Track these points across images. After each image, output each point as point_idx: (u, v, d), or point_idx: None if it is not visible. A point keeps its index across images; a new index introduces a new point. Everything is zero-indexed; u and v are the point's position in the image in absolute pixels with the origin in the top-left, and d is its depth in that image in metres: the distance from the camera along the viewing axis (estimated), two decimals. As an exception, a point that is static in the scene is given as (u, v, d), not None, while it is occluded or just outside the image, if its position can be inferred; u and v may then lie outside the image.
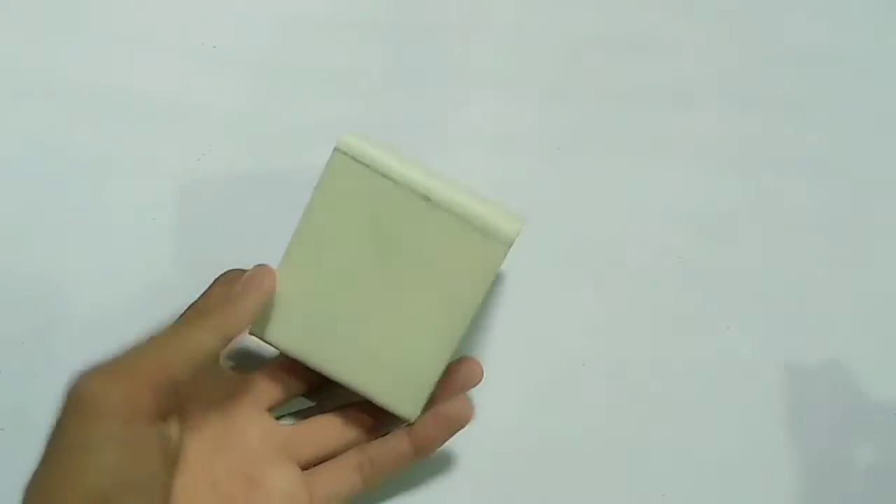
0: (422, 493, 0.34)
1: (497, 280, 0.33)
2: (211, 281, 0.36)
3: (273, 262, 0.33)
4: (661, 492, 0.35)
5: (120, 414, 0.25)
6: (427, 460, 0.34)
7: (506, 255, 0.29)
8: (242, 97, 0.52)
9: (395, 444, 0.30)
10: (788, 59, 0.56)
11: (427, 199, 0.29)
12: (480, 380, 0.33)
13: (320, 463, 0.32)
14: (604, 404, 0.38)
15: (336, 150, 0.29)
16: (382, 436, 0.31)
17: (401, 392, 0.30)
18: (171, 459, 0.27)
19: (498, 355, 0.38)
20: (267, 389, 0.32)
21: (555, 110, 0.53)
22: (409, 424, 0.31)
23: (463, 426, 0.30)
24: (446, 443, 0.32)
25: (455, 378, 0.33)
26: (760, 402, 0.40)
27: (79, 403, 0.25)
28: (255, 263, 0.32)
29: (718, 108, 0.53)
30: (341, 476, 0.30)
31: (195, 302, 0.33)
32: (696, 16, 0.61)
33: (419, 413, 0.30)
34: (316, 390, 0.33)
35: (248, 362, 0.35)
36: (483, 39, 0.59)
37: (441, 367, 0.30)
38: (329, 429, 0.32)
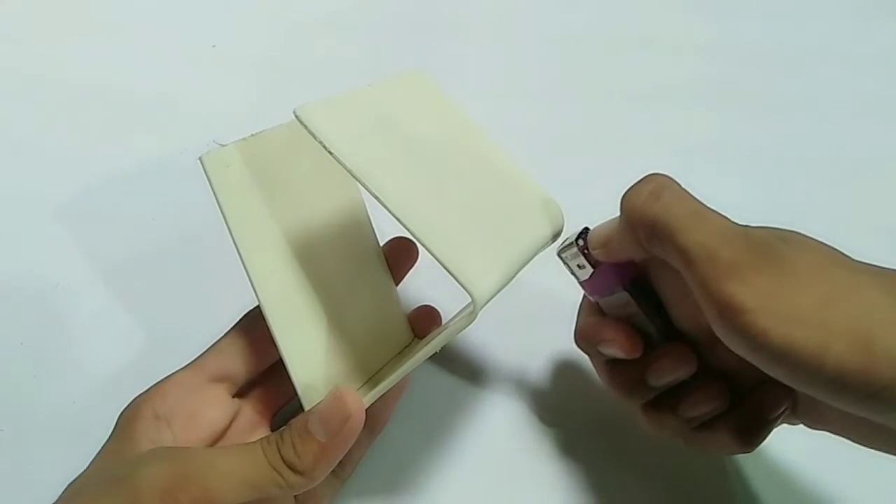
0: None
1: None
2: (210, 275, 0.35)
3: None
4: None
5: None
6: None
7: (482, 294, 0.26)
8: (242, 96, 0.52)
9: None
10: (787, 59, 0.56)
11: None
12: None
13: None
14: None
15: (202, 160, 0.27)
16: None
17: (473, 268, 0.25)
18: None
19: (500, 355, 0.38)
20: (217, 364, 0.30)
21: (554, 110, 0.53)
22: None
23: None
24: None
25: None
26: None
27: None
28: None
29: (719, 107, 0.53)
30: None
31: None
32: (695, 16, 0.61)
33: (486, 296, 0.26)
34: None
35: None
36: (483, 39, 0.59)
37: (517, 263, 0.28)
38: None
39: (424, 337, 0.34)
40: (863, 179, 0.48)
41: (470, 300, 0.25)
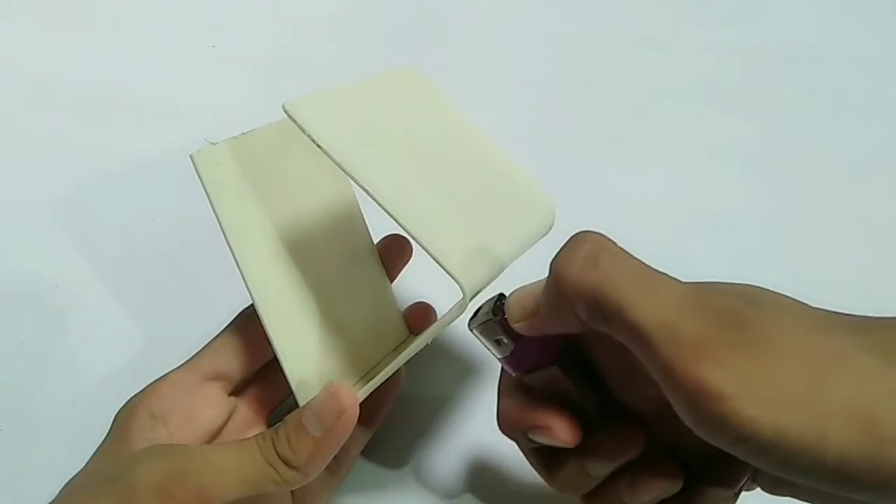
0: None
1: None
2: (209, 274, 0.35)
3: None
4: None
5: None
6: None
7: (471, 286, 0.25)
8: (242, 96, 0.52)
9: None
10: (788, 60, 0.56)
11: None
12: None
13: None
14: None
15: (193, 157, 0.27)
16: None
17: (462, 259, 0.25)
18: None
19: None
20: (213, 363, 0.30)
21: (554, 110, 0.53)
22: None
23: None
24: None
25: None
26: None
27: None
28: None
29: (719, 108, 0.53)
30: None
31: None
32: (696, 16, 0.61)
33: (475, 287, 0.25)
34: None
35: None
36: (482, 39, 0.59)
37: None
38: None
39: (419, 333, 0.34)
40: (864, 179, 0.48)
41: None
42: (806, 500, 0.24)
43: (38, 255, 0.42)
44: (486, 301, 0.26)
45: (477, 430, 0.35)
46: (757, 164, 0.49)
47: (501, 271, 0.27)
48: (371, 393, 0.28)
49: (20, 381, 0.37)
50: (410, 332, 0.34)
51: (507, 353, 0.26)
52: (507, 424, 0.27)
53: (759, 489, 0.26)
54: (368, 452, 0.33)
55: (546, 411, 0.26)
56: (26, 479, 0.34)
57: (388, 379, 0.29)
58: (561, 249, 0.23)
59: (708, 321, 0.20)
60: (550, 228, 0.31)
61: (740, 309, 0.20)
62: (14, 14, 0.58)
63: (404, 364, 0.29)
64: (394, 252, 0.34)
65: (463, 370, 0.38)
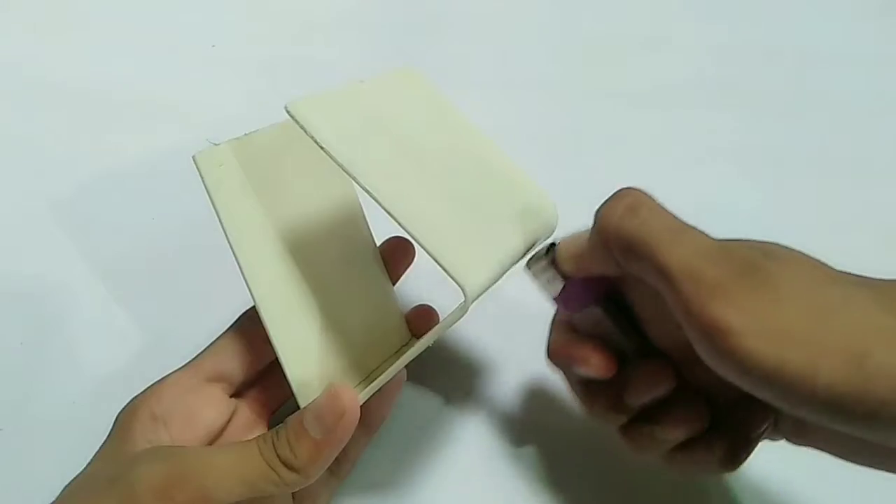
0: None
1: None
2: (209, 275, 0.35)
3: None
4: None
5: None
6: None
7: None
8: (242, 96, 0.52)
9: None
10: (791, 60, 0.56)
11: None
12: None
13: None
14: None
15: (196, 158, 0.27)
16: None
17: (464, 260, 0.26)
18: None
19: (500, 357, 0.38)
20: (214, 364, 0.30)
21: (554, 110, 0.53)
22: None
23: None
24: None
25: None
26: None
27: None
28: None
29: (720, 108, 0.53)
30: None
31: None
32: (697, 17, 0.61)
33: (476, 290, 0.26)
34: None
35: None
36: (483, 39, 0.59)
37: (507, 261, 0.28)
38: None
39: (421, 336, 0.34)
40: (864, 179, 0.48)
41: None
42: (823, 450, 0.26)
43: (38, 255, 0.42)
44: (541, 247, 0.29)
45: (478, 429, 0.35)
46: (757, 164, 0.49)
47: (504, 273, 0.27)
48: (372, 395, 0.28)
49: (20, 381, 0.37)
50: (412, 335, 0.34)
51: (557, 292, 0.29)
52: (554, 356, 0.31)
53: (783, 441, 0.28)
54: (369, 451, 0.33)
55: (587, 346, 0.29)
56: (26, 479, 0.34)
57: (389, 381, 0.29)
58: (606, 201, 0.25)
59: (726, 268, 0.22)
60: (553, 230, 0.31)
61: (757, 259, 0.23)
62: (13, 14, 0.58)
63: (405, 366, 0.29)
64: (396, 254, 0.34)
65: (464, 371, 0.38)
